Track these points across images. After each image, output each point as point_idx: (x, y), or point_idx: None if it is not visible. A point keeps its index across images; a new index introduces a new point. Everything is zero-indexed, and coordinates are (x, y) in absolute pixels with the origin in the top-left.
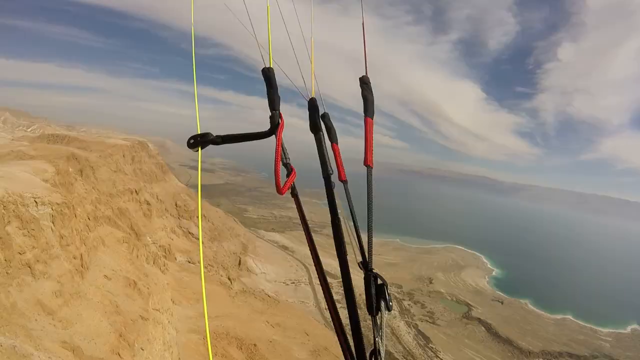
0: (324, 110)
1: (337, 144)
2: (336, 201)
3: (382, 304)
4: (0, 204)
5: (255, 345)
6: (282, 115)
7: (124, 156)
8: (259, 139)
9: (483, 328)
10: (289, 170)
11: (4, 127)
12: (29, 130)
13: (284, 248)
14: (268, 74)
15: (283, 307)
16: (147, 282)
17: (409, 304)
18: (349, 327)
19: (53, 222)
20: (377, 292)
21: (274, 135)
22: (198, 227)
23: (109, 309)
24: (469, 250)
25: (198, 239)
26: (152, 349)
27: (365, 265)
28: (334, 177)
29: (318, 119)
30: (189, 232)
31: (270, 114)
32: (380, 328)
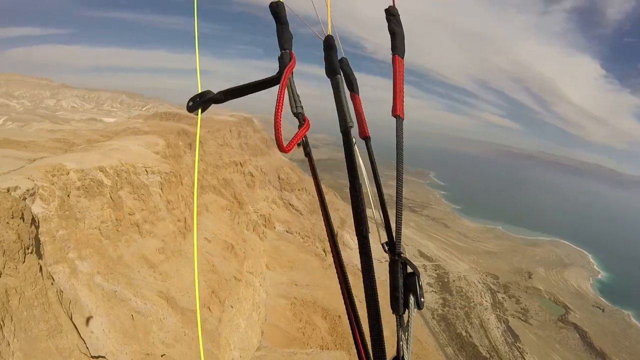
0: (342, 54)
1: (358, 94)
2: (357, 161)
3: (411, 299)
4: (114, 172)
5: (339, 317)
6: (294, 55)
7: (230, 131)
8: (269, 86)
9: (577, 335)
10: (301, 121)
11: (121, 108)
12: (143, 109)
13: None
14: (276, 9)
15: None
16: (244, 247)
17: (503, 297)
18: (368, 325)
19: (161, 189)
20: (405, 284)
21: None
22: (298, 198)
23: (205, 267)
24: (577, 247)
25: (298, 210)
26: (241, 307)
27: (392, 247)
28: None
29: (335, 60)
30: (290, 204)
31: (279, 54)
32: (407, 329)
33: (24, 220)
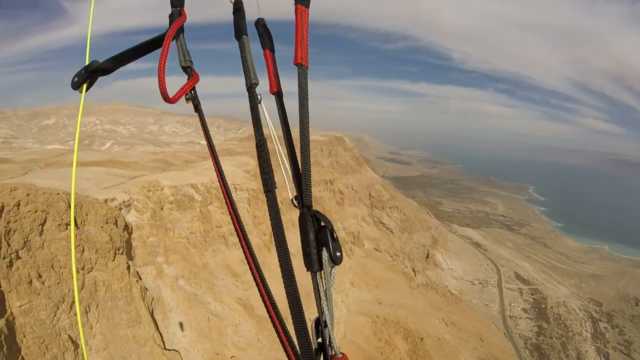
0: (259, 15)
1: (270, 51)
2: (261, 118)
3: (325, 254)
4: (204, 188)
5: (422, 339)
6: (185, 13)
7: (321, 150)
8: (159, 45)
9: None
10: (189, 74)
11: (218, 131)
12: (239, 132)
13: (477, 245)
14: None
15: (463, 307)
16: None
17: (605, 327)
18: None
19: (249, 205)
20: (317, 238)
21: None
22: (389, 216)
23: None
24: None
25: (389, 228)
26: None
27: (301, 201)
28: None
29: (242, 23)
30: (380, 222)
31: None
32: (326, 289)
33: (117, 226)
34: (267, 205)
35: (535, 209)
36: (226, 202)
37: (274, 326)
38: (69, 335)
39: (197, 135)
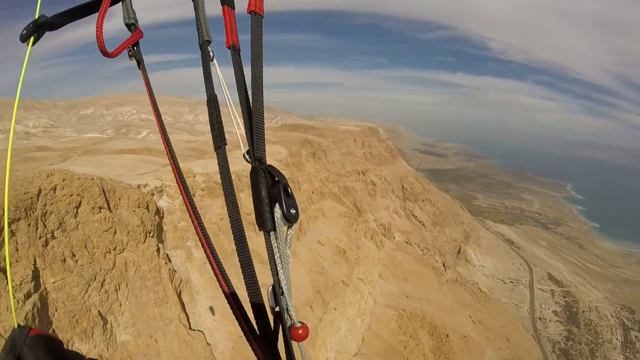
0: None
1: (228, 6)
2: (212, 74)
3: (278, 211)
4: (235, 176)
5: (447, 336)
6: None
7: (355, 141)
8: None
9: None
10: (132, 30)
11: None
12: (273, 122)
13: (510, 242)
14: None
15: (492, 306)
16: (356, 253)
17: (636, 336)
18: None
19: None
20: (269, 194)
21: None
22: (421, 209)
23: (314, 269)
24: None
25: (421, 221)
26: (345, 311)
27: (253, 154)
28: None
29: None
30: (412, 214)
31: None
32: (281, 250)
33: (148, 210)
34: (217, 162)
35: (572, 207)
36: (177, 183)
37: (228, 299)
38: (98, 311)
39: (232, 124)
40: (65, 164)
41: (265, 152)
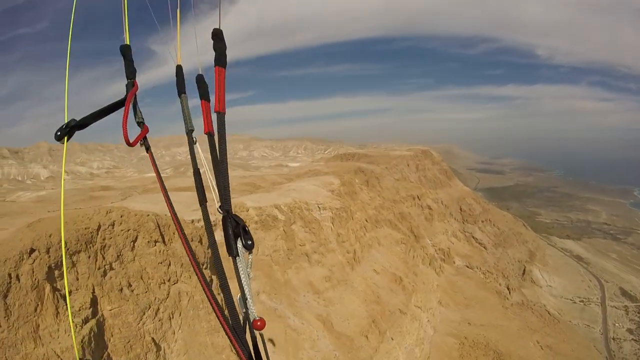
0: (200, 72)
1: (206, 100)
2: (196, 154)
3: (239, 243)
4: (288, 208)
5: None
6: (137, 82)
7: (408, 165)
8: (119, 107)
9: None
10: (141, 127)
11: (305, 153)
12: (325, 152)
13: (578, 258)
14: (124, 51)
15: (561, 328)
16: (414, 280)
17: None
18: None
19: (332, 223)
20: (234, 232)
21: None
22: (481, 230)
23: (370, 297)
24: None
25: (482, 243)
26: (403, 341)
27: (223, 207)
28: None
29: (181, 84)
30: (472, 237)
31: (126, 83)
32: (243, 269)
33: (201, 244)
34: (202, 214)
35: None
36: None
37: (211, 303)
38: (152, 338)
39: (285, 158)
40: (125, 202)
41: (230, 205)
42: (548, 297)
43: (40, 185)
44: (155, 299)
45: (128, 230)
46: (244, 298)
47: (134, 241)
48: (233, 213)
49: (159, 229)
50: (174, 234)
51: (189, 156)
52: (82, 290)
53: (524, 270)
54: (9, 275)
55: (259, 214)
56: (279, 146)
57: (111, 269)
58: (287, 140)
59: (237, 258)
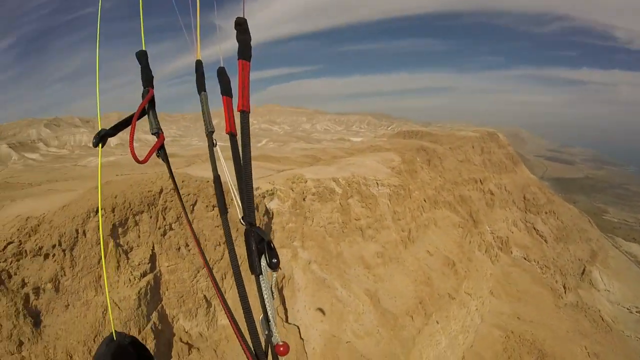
0: (221, 64)
1: (228, 96)
2: (216, 158)
3: (263, 261)
4: (346, 182)
5: None
6: (152, 90)
7: (472, 147)
8: (140, 117)
9: None
10: (157, 137)
11: (368, 128)
12: (388, 129)
13: None
14: (140, 57)
15: (612, 338)
16: (467, 266)
17: None
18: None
19: (389, 200)
20: (257, 249)
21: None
22: (544, 222)
23: (420, 278)
24: None
25: (543, 236)
26: (448, 326)
27: (246, 220)
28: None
29: (201, 81)
30: (534, 228)
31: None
32: (266, 289)
33: (257, 211)
34: (222, 224)
35: None
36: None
37: (232, 325)
38: (204, 295)
39: (347, 133)
40: (188, 169)
41: (255, 217)
42: (604, 302)
43: (109, 152)
44: (209, 259)
45: (188, 194)
46: (266, 319)
47: (194, 205)
48: (257, 226)
49: None
50: (231, 200)
51: (212, 156)
52: (142, 246)
53: (584, 270)
54: (77, 230)
55: (316, 186)
56: (342, 120)
57: (170, 229)
58: (350, 114)
59: (260, 276)
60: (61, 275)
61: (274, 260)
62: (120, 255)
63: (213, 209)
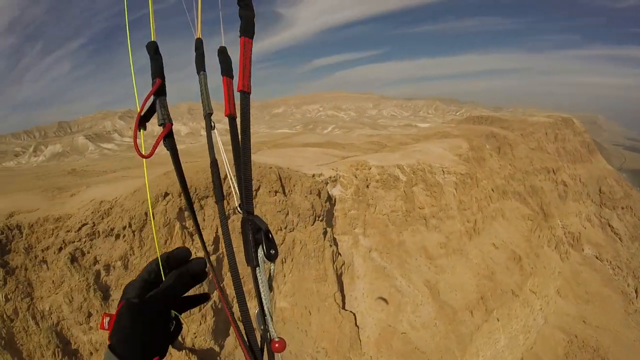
0: (222, 44)
1: (229, 77)
2: (214, 142)
3: (260, 252)
4: (410, 170)
5: None
6: (160, 80)
7: (546, 134)
8: (149, 111)
9: None
10: (163, 127)
11: (436, 114)
12: (457, 114)
13: None
14: (148, 49)
15: None
16: (534, 262)
17: None
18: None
19: (455, 189)
20: (254, 239)
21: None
22: (619, 218)
23: (483, 272)
24: None
25: (617, 233)
26: (508, 324)
27: (243, 208)
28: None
29: (201, 60)
30: (608, 224)
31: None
32: (263, 282)
33: (319, 197)
34: (218, 213)
35: None
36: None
37: (230, 321)
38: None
39: (414, 118)
40: (254, 155)
41: (252, 205)
42: None
43: (180, 140)
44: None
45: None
46: (262, 314)
47: (257, 190)
48: (255, 214)
49: (280, 181)
50: (294, 185)
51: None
52: (207, 229)
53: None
54: (145, 213)
55: (380, 173)
56: (409, 106)
57: (234, 213)
58: (417, 99)
59: (256, 269)
60: (130, 254)
61: (272, 252)
62: (185, 237)
63: (275, 195)
